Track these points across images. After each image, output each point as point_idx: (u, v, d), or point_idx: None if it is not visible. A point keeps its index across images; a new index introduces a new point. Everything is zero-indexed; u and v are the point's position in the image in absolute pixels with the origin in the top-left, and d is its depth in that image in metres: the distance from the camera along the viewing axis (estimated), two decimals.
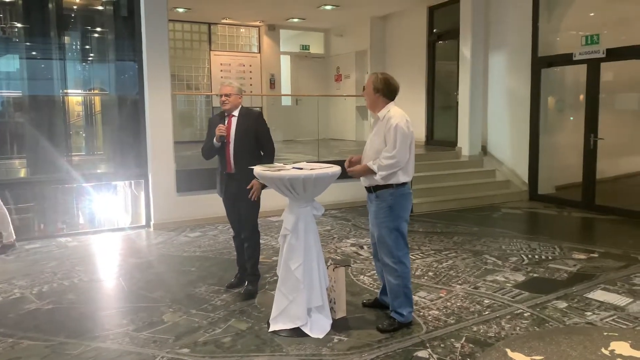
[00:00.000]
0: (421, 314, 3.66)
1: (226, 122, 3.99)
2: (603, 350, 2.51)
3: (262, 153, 4.03)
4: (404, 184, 3.35)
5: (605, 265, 4.76)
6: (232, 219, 4.18)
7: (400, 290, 3.40)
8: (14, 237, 5.45)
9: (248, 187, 3.85)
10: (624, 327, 3.41)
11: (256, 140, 4.00)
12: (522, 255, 5.10)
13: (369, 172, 3.34)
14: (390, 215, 3.35)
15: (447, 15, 9.53)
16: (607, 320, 3.54)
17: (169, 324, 3.56)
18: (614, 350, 2.50)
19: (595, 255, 5.09)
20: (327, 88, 12.86)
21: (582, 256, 5.05)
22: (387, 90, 3.36)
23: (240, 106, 4.04)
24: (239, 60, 11.99)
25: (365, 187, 3.48)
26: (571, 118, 8.45)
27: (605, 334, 2.74)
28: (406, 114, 3.35)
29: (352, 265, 4.85)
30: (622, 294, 4.01)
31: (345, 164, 3.49)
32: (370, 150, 3.41)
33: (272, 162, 3.79)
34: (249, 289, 4.07)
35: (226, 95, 3.93)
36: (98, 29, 7.54)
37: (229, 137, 3.96)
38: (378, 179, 3.29)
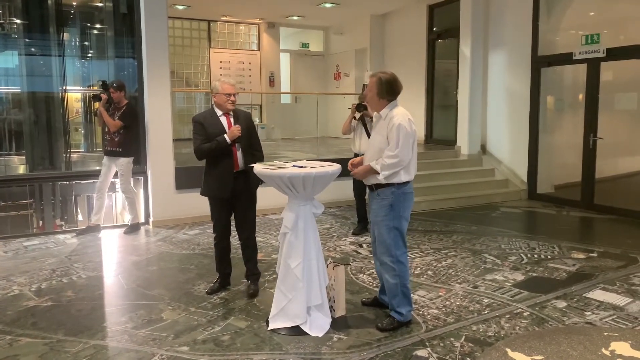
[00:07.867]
0: (420, 312, 3.66)
1: (225, 120, 3.96)
2: (603, 350, 2.51)
3: (255, 151, 4.06)
4: (405, 182, 3.34)
5: (604, 264, 4.77)
6: (225, 221, 4.07)
7: (398, 290, 3.39)
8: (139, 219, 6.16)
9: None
10: (624, 327, 3.41)
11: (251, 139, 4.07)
12: (521, 255, 5.10)
13: (372, 172, 3.33)
14: (391, 214, 3.34)
15: (447, 14, 9.52)
16: (607, 320, 3.54)
17: (168, 322, 3.55)
18: (614, 350, 2.50)
19: (594, 254, 5.09)
20: (326, 86, 12.85)
21: (581, 255, 5.06)
22: (391, 92, 3.35)
23: None
24: (238, 58, 11.98)
25: (367, 185, 3.48)
26: (570, 117, 8.45)
27: (605, 334, 2.74)
28: (408, 113, 3.34)
29: (351, 263, 4.85)
30: (621, 294, 4.02)
31: (348, 167, 3.52)
32: (372, 149, 3.40)
33: (263, 160, 3.84)
34: (253, 288, 4.05)
35: (234, 95, 3.95)
36: (97, 26, 7.53)
37: None
38: (381, 178, 3.28)
